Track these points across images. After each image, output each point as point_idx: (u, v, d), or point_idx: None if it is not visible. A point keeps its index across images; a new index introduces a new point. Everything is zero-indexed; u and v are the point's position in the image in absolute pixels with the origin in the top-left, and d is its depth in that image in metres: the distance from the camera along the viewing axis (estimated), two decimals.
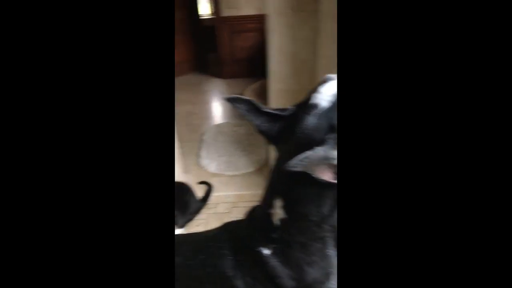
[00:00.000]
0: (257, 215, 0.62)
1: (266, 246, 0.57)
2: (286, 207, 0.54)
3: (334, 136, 0.46)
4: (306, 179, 0.47)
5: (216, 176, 2.14)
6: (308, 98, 0.52)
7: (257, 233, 0.59)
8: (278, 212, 0.55)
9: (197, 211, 1.84)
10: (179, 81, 4.59)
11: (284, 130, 0.54)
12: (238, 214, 1.90)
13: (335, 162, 0.45)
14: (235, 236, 0.63)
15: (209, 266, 0.60)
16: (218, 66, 4.69)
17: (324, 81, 0.52)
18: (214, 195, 1.95)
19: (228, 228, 0.67)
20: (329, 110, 0.48)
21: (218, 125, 3.00)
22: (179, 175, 2.06)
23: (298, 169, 0.47)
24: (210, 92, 4.24)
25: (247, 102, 0.53)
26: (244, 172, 2.18)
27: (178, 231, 1.72)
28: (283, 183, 0.55)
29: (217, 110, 3.62)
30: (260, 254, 0.57)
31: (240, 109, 0.54)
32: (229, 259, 0.60)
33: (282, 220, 0.55)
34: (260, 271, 0.57)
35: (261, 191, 1.92)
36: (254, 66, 4.40)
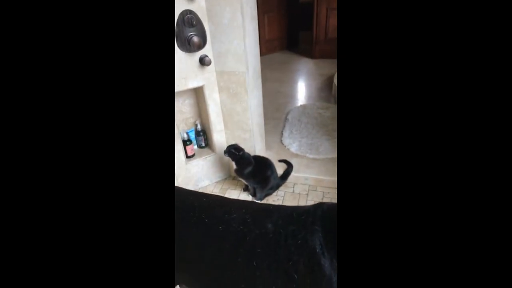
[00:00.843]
0: None
1: None
2: None
3: None
4: None
5: (297, 157, 2.14)
6: None
7: None
8: None
9: (276, 187, 1.89)
10: (268, 58, 4.65)
11: None
12: (314, 198, 1.89)
13: None
14: (329, 216, 0.63)
15: (299, 237, 0.62)
16: (309, 44, 4.56)
17: None
18: (293, 175, 1.96)
19: (322, 207, 0.67)
20: None
21: (304, 106, 2.95)
22: (262, 151, 2.14)
23: None
24: (299, 71, 4.18)
25: None
26: (326, 157, 2.12)
27: None
28: None
29: (304, 91, 3.55)
30: None
31: None
32: (320, 236, 0.61)
33: None
34: None
35: None
36: None
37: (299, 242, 0.62)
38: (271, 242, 0.65)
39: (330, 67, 4.04)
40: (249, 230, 0.68)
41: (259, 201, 1.84)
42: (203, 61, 1.59)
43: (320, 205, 0.68)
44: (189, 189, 0.92)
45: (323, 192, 1.91)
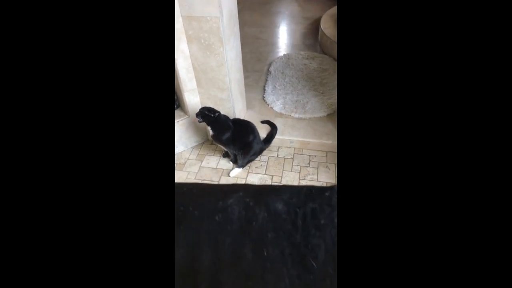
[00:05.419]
0: None
1: None
2: None
3: None
4: None
5: (282, 117, 1.94)
6: None
7: None
8: None
9: (259, 152, 1.71)
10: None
11: None
12: (301, 162, 1.74)
13: None
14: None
15: (322, 217, 0.55)
16: None
17: None
18: (277, 138, 1.78)
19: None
20: None
21: (287, 56, 2.65)
22: (242, 111, 1.90)
23: None
24: (281, 14, 3.72)
25: None
26: (312, 117, 1.92)
27: (236, 171, 1.64)
28: None
29: (287, 37, 3.19)
30: None
31: None
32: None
33: None
34: None
35: (330, 142, 1.70)
36: None
37: (322, 222, 0.48)
38: (284, 224, 0.53)
39: (315, 9, 3.63)
40: (253, 214, 0.55)
41: (241, 168, 1.67)
42: None
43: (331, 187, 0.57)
44: None
45: (310, 155, 1.76)
